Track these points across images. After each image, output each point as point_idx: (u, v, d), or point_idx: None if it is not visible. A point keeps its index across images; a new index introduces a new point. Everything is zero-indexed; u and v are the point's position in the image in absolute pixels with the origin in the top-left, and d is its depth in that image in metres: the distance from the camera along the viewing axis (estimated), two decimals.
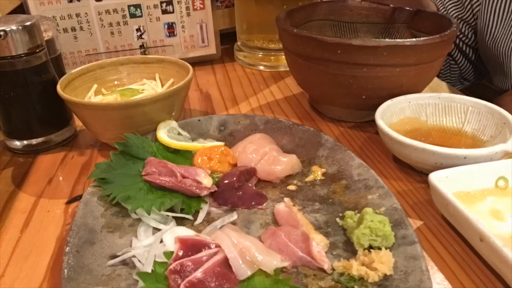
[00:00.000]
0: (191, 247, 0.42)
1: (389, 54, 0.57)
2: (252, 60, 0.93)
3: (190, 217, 0.49)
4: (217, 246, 0.42)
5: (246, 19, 0.92)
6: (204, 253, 0.41)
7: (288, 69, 0.88)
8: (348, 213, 0.46)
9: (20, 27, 0.57)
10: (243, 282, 0.40)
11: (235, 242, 0.41)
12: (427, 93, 0.62)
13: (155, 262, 0.41)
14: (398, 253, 0.41)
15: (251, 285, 0.39)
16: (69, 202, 0.54)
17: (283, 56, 0.90)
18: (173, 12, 0.87)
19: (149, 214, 0.47)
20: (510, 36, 0.87)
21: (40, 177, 0.58)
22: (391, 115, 0.59)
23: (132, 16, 0.85)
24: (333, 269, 0.41)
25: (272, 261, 0.41)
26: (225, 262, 0.40)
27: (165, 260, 0.41)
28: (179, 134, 0.60)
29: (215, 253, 0.41)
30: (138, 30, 0.86)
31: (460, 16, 0.98)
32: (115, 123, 0.59)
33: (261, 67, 0.92)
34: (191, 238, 0.43)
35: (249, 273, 0.40)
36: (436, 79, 0.82)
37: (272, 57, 0.92)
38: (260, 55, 0.93)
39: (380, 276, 0.39)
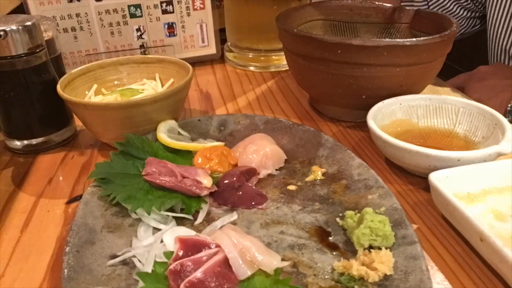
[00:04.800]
0: (191, 247, 0.42)
1: (389, 54, 0.57)
2: (242, 60, 0.92)
3: (190, 217, 0.49)
4: (217, 246, 0.42)
5: (235, 19, 0.92)
6: (204, 253, 0.41)
7: (287, 68, 0.88)
8: (348, 213, 0.46)
9: (20, 27, 0.57)
10: (243, 282, 0.40)
11: (235, 242, 0.41)
12: (418, 95, 0.62)
13: (155, 262, 0.41)
14: (398, 253, 0.41)
15: (251, 285, 0.39)
16: (69, 202, 0.54)
17: (273, 57, 0.90)
18: (173, 12, 0.87)
19: (149, 214, 0.47)
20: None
21: (40, 177, 0.58)
22: (383, 117, 0.59)
23: (132, 16, 0.85)
24: (333, 269, 0.41)
25: (272, 261, 0.41)
26: (225, 262, 0.40)
27: (165, 260, 0.41)
28: (179, 134, 0.60)
29: (215, 253, 0.41)
30: (138, 30, 0.86)
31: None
32: (115, 123, 0.59)
33: (252, 68, 0.91)
34: (191, 238, 0.43)
35: (249, 273, 0.40)
36: (436, 79, 0.82)
37: (262, 57, 0.91)
38: (250, 56, 0.92)
39: (380, 276, 0.39)
